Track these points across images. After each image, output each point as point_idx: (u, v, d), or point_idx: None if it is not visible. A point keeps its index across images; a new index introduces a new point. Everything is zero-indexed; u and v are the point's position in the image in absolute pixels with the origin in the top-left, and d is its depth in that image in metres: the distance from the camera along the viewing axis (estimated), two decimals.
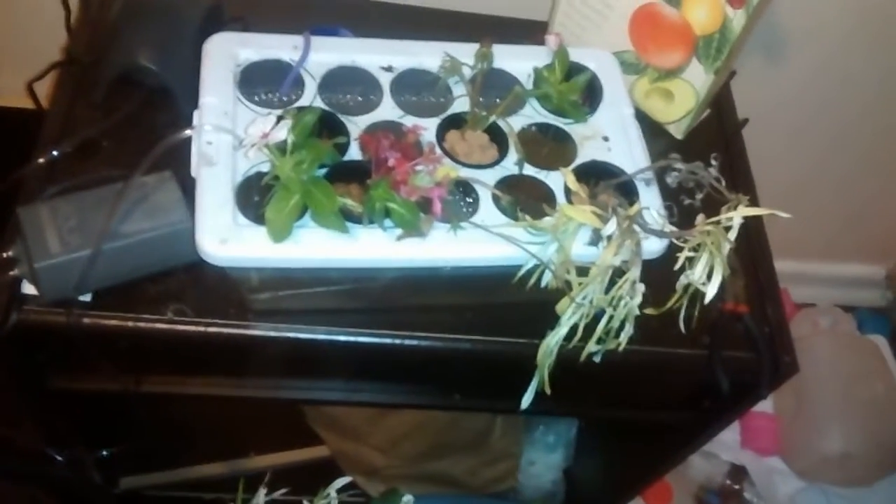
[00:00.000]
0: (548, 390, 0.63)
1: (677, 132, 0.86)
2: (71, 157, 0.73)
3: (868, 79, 1.20)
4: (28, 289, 0.66)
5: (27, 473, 0.84)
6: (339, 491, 0.87)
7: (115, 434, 0.94)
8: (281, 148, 0.58)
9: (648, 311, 0.66)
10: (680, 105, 0.84)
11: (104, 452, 0.87)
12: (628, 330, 0.63)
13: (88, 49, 0.81)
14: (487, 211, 0.65)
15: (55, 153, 0.72)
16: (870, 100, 1.24)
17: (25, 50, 0.99)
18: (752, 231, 0.82)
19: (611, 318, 0.62)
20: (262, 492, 0.85)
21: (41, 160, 0.72)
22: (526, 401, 0.64)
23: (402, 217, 0.59)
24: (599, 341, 0.64)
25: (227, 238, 0.58)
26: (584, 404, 0.86)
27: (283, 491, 0.91)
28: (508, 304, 0.71)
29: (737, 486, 1.41)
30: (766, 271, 0.81)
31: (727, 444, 1.38)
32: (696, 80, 0.82)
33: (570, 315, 0.60)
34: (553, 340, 0.61)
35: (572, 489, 1.24)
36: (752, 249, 0.82)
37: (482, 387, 0.82)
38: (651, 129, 0.78)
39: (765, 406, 1.39)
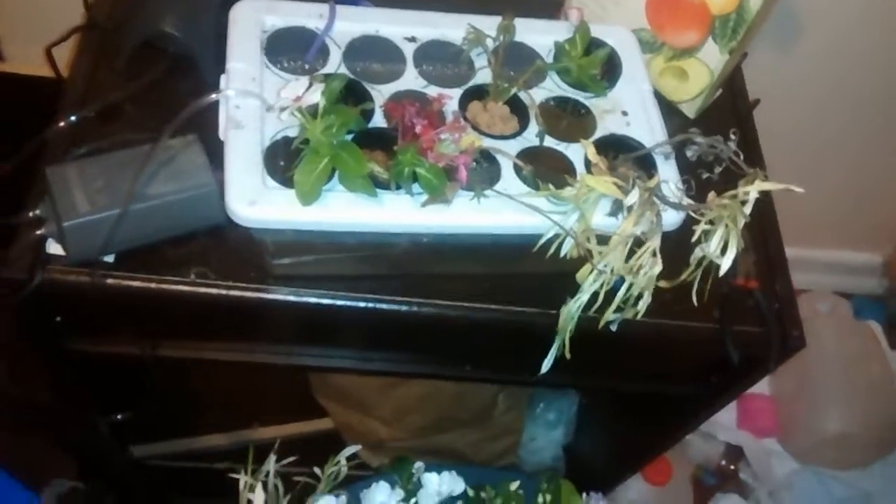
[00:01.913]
0: (568, 355, 0.64)
1: (690, 111, 0.87)
2: (94, 121, 0.73)
3: (881, 57, 1.21)
4: (52, 248, 0.67)
5: (45, 431, 0.84)
6: (347, 460, 0.88)
7: (126, 400, 0.95)
8: (311, 112, 0.59)
9: (662, 283, 0.67)
10: (694, 84, 0.85)
11: (117, 416, 0.87)
12: (647, 298, 0.64)
13: (110, 15, 0.81)
14: (509, 181, 0.66)
15: (78, 117, 0.73)
16: (883, 80, 1.26)
17: (39, 17, 1.00)
18: (763, 209, 0.83)
19: (630, 286, 0.63)
20: (273, 459, 0.86)
21: (64, 123, 0.72)
22: (546, 365, 0.65)
23: (430, 182, 0.60)
24: (617, 310, 0.65)
25: (256, 199, 0.59)
26: (595, 376, 0.87)
27: (291, 459, 0.92)
28: (526, 275, 0.72)
29: (733, 467, 1.43)
30: (776, 248, 0.82)
31: (724, 424, 1.40)
32: (711, 60, 0.83)
33: (591, 282, 0.62)
34: (575, 306, 0.62)
35: (573, 465, 1.26)
36: (762, 227, 0.83)
37: (496, 357, 0.83)
38: (664, 107, 0.79)
39: (762, 387, 1.41)
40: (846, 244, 1.63)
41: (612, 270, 0.63)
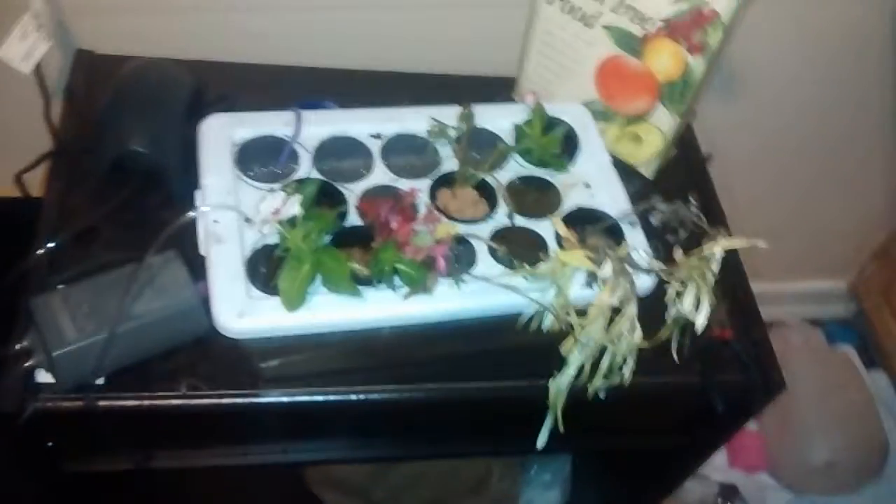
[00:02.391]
0: (561, 428, 0.66)
1: (648, 172, 0.91)
2: (71, 246, 0.74)
3: (819, 103, 1.27)
4: (42, 377, 0.67)
5: None
6: None
7: None
8: (289, 221, 0.61)
9: (641, 344, 0.69)
10: (648, 147, 0.89)
11: None
12: (630, 364, 0.66)
13: (77, 138, 0.83)
14: (485, 262, 0.68)
15: (55, 243, 0.73)
16: (822, 122, 1.31)
17: (7, 139, 1.00)
18: (729, 259, 0.86)
19: (613, 355, 0.65)
20: None
21: (42, 250, 0.73)
22: (541, 440, 0.67)
23: (411, 277, 0.62)
24: (603, 378, 0.67)
25: (243, 311, 0.60)
26: (584, 439, 0.88)
27: None
28: (511, 350, 0.74)
29: None
30: (745, 295, 0.85)
31: (716, 464, 1.41)
32: (663, 124, 0.86)
33: (576, 355, 0.64)
34: (564, 380, 0.64)
35: None
36: (730, 276, 0.86)
37: (490, 432, 0.84)
38: (623, 169, 0.82)
39: (749, 424, 1.43)
40: (812, 274, 1.67)
41: (594, 341, 0.65)
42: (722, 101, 1.19)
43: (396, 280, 0.64)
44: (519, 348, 0.73)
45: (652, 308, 0.69)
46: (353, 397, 0.71)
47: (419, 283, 0.62)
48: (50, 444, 0.74)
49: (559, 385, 0.64)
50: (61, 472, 0.77)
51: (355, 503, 1.11)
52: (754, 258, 0.90)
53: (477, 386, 0.75)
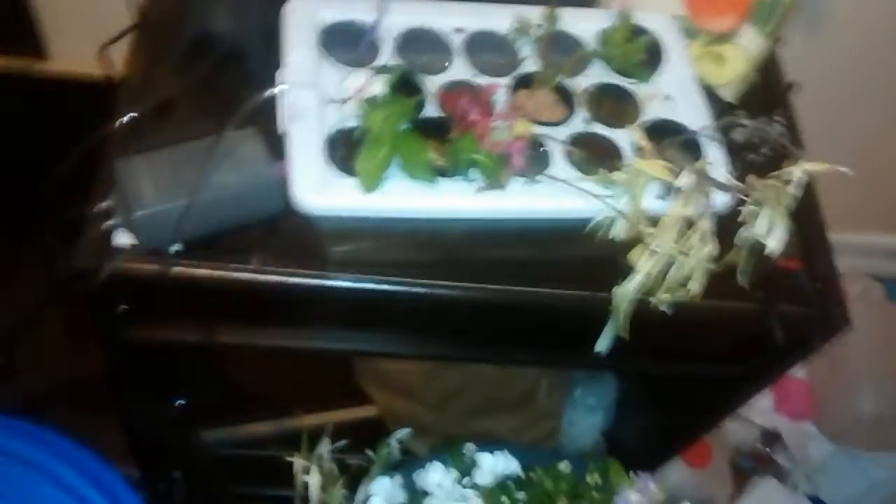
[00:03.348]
0: (626, 335, 0.66)
1: (728, 95, 0.88)
2: (151, 117, 0.76)
3: None
4: (120, 239, 0.69)
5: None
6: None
7: (179, 388, 0.97)
8: (371, 101, 0.61)
9: (711, 262, 0.69)
10: (731, 68, 0.86)
11: (177, 402, 0.90)
12: (699, 279, 0.66)
13: (161, 13, 0.84)
14: (560, 166, 0.68)
15: (138, 112, 0.75)
16: None
17: (85, 14, 1.02)
18: (804, 190, 0.84)
19: (683, 266, 0.65)
20: (327, 442, 0.89)
21: (125, 119, 0.75)
22: (602, 345, 0.67)
23: (488, 168, 0.62)
24: (669, 291, 0.67)
25: (321, 188, 0.61)
26: (638, 359, 0.88)
27: (343, 443, 0.94)
28: (576, 259, 0.74)
29: (769, 450, 1.44)
30: (817, 228, 0.84)
31: (760, 408, 1.41)
32: (749, 44, 0.84)
33: (645, 262, 0.63)
34: (631, 287, 0.63)
35: (612, 450, 1.27)
36: (803, 208, 0.83)
37: (547, 340, 0.85)
38: (702, 91, 0.81)
39: (797, 371, 1.42)
40: (879, 227, 1.63)
41: (664, 251, 0.64)
42: (809, 33, 1.15)
43: (471, 173, 0.64)
44: (585, 259, 0.73)
45: (722, 230, 0.68)
46: (418, 290, 0.72)
47: (495, 175, 0.62)
48: (122, 307, 0.77)
49: (626, 291, 0.64)
50: (127, 338, 0.80)
51: (402, 403, 1.14)
52: (822, 203, 0.88)
53: (540, 291, 0.75)
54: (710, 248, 0.64)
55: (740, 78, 0.87)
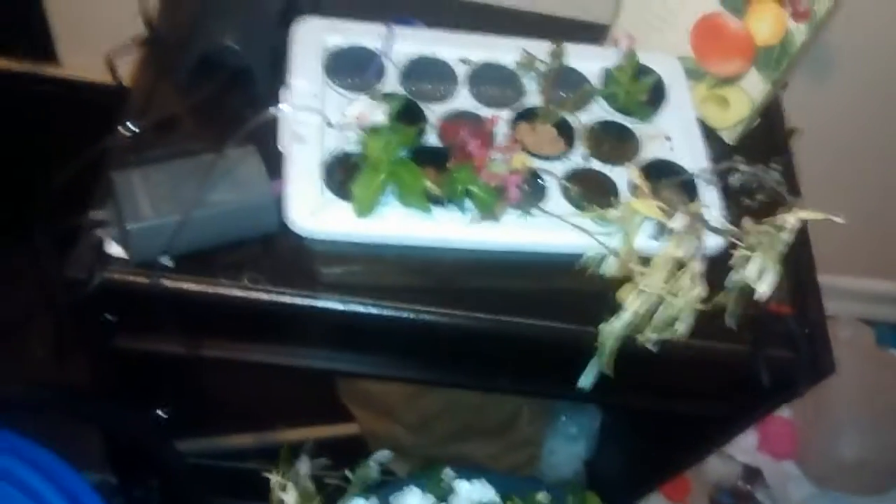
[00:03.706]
0: (611, 372, 0.66)
1: (730, 138, 0.89)
2: (154, 131, 0.76)
3: None
4: (113, 250, 0.69)
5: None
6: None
7: (161, 398, 0.97)
8: (371, 128, 0.61)
9: (699, 304, 0.69)
10: (735, 112, 0.87)
11: (158, 412, 0.90)
12: (686, 320, 0.66)
13: (171, 29, 0.84)
14: (556, 200, 0.68)
15: (140, 125, 0.75)
16: None
17: (96, 24, 1.02)
18: (797, 235, 0.85)
19: (671, 307, 0.65)
20: (305, 459, 0.89)
21: (127, 131, 0.75)
22: (585, 381, 0.68)
23: (483, 200, 0.62)
24: (656, 330, 0.67)
25: (315, 210, 0.62)
26: (623, 393, 0.88)
27: (322, 461, 0.94)
28: (566, 292, 0.74)
29: (750, 488, 1.44)
30: (809, 274, 0.84)
31: (743, 446, 1.41)
32: (753, 89, 0.85)
33: (634, 301, 0.64)
34: (618, 325, 0.64)
35: (592, 481, 1.27)
36: (796, 253, 0.84)
37: (532, 371, 0.85)
38: (704, 134, 0.81)
39: (782, 411, 1.42)
40: (870, 272, 1.64)
41: (653, 291, 0.64)
42: (814, 79, 1.16)
43: (467, 203, 0.64)
44: (574, 292, 0.74)
45: (713, 271, 0.68)
46: (405, 315, 0.72)
47: (489, 207, 0.62)
48: (110, 317, 0.76)
49: (613, 328, 0.64)
50: (113, 347, 0.80)
51: (383, 423, 1.14)
52: (814, 246, 0.89)
53: (526, 322, 0.75)
54: (700, 290, 0.64)
55: (743, 122, 0.88)
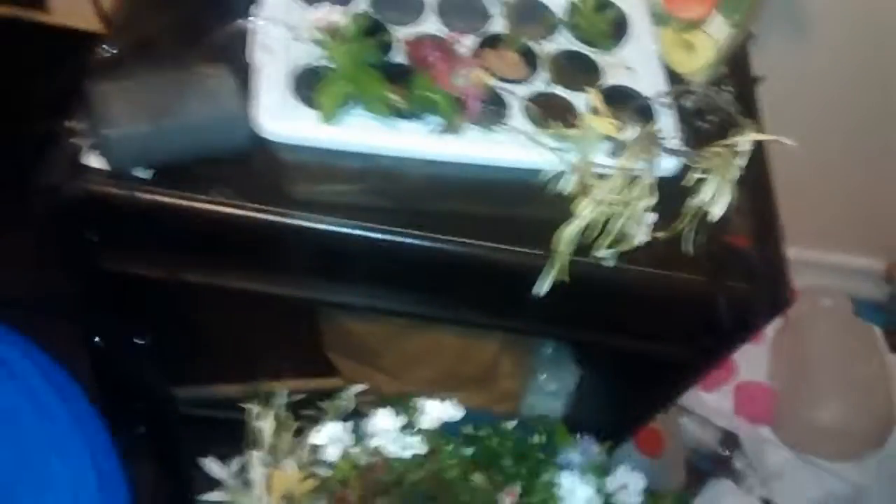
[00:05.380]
0: (566, 277, 0.68)
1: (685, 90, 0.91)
2: (131, 52, 0.78)
3: (879, 69, 1.25)
4: (88, 160, 0.72)
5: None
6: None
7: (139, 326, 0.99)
8: (335, 36, 0.64)
9: (658, 234, 0.72)
10: (700, 56, 0.89)
11: (137, 340, 0.92)
12: (641, 231, 0.69)
13: None
14: (516, 120, 0.71)
15: (116, 48, 0.78)
16: (884, 91, 1.30)
17: None
18: (758, 169, 0.87)
19: (625, 217, 0.67)
20: (283, 393, 0.91)
21: (103, 51, 0.77)
22: (540, 286, 0.70)
23: (443, 107, 0.65)
24: (613, 244, 0.70)
25: (283, 116, 0.64)
26: (588, 329, 0.91)
27: (300, 396, 0.96)
28: (529, 219, 0.76)
29: (727, 453, 1.46)
30: (769, 210, 0.86)
31: (721, 410, 1.43)
32: (717, 33, 0.87)
33: (588, 209, 0.66)
34: (572, 230, 0.66)
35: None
36: (755, 186, 0.87)
37: (493, 301, 0.87)
38: (671, 80, 0.84)
39: (760, 376, 1.44)
40: (850, 248, 1.66)
41: (607, 201, 0.67)
42: (789, 45, 1.18)
43: (429, 116, 0.67)
44: (538, 219, 0.75)
45: (671, 201, 0.71)
46: (372, 235, 0.74)
47: (450, 116, 0.65)
48: (91, 236, 0.79)
49: (567, 233, 0.66)
50: (96, 269, 0.83)
51: (366, 371, 1.16)
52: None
53: (487, 245, 0.77)
54: (651, 199, 0.66)
55: (708, 67, 0.90)
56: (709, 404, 1.42)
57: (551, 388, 1.28)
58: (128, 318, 0.93)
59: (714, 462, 1.46)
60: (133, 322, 0.94)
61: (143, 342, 0.93)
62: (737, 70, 0.96)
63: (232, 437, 1.04)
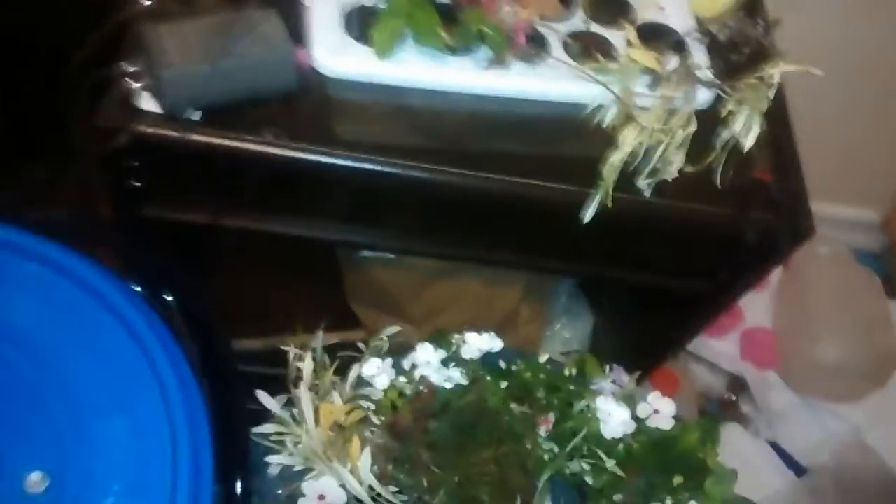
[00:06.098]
0: (610, 203, 0.71)
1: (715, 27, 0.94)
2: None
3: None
4: (142, 102, 0.73)
5: None
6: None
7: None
8: None
9: (687, 168, 0.75)
10: (720, 1, 0.93)
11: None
12: (679, 160, 0.72)
13: None
14: (559, 56, 0.73)
15: None
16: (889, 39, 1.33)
17: None
18: (778, 111, 0.90)
19: (666, 146, 0.71)
20: (320, 335, 0.93)
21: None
22: (587, 212, 0.72)
23: (494, 39, 0.67)
24: (652, 174, 0.73)
25: (337, 51, 0.67)
26: (614, 265, 0.94)
27: (335, 341, 0.99)
28: (569, 154, 0.79)
29: (735, 398, 1.51)
30: (791, 147, 0.90)
31: (728, 356, 1.47)
32: None
33: (632, 136, 0.69)
34: (618, 156, 0.69)
35: None
36: (777, 126, 0.90)
37: (528, 238, 0.90)
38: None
39: (765, 321, 1.49)
40: (845, 198, 1.71)
41: (651, 129, 0.70)
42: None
43: (478, 51, 0.69)
44: (578, 155, 0.78)
45: (702, 137, 0.74)
46: (419, 174, 0.77)
47: (500, 48, 0.68)
48: (136, 183, 0.81)
49: (612, 161, 0.69)
50: (138, 215, 0.84)
51: (391, 320, 1.18)
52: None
53: (531, 182, 0.79)
54: (692, 127, 0.70)
55: (728, 11, 0.93)
56: (716, 350, 1.47)
57: (567, 335, 1.32)
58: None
59: (722, 406, 1.51)
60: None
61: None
62: (753, 14, 0.99)
63: (250, 393, 1.06)
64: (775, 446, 1.47)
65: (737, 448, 1.45)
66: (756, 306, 1.49)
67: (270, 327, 1.29)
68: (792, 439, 1.47)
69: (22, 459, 0.60)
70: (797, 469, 1.48)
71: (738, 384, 1.50)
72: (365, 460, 0.71)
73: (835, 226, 1.73)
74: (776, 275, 1.50)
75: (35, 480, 0.59)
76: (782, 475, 1.47)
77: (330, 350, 0.98)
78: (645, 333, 1.15)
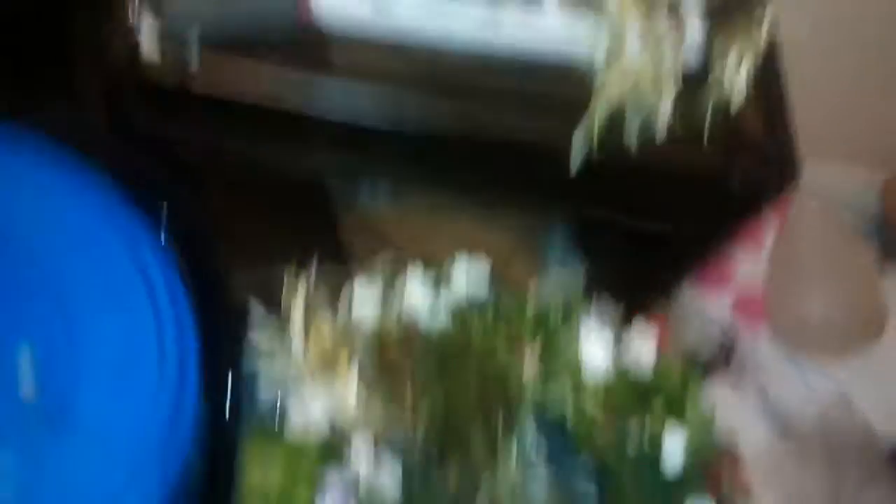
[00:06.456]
0: (596, 146, 0.74)
1: None
2: None
3: None
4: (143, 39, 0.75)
5: None
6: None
7: None
8: None
9: (676, 113, 0.77)
10: None
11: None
12: (669, 104, 0.74)
13: None
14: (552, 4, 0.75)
15: None
16: None
17: None
18: (769, 63, 0.91)
19: (655, 87, 0.72)
20: (314, 263, 0.94)
21: None
22: (575, 156, 0.75)
23: None
24: (640, 118, 0.75)
25: None
26: (603, 205, 0.96)
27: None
28: (559, 97, 0.80)
29: (724, 356, 1.53)
30: (780, 96, 0.91)
31: (719, 313, 1.49)
32: None
33: (621, 77, 0.71)
34: (608, 98, 0.71)
35: None
36: (768, 77, 0.91)
37: (520, 180, 0.92)
38: None
39: (756, 281, 1.50)
40: (844, 161, 1.71)
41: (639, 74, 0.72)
42: None
43: None
44: (569, 99, 0.80)
45: (692, 81, 0.76)
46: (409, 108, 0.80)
47: None
48: (143, 114, 0.83)
49: (602, 101, 0.71)
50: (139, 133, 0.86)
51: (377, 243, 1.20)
52: None
53: (522, 124, 0.82)
54: (683, 67, 0.72)
55: None
56: (707, 307, 1.49)
57: (559, 287, 1.34)
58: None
59: (709, 365, 1.53)
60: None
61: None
62: None
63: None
64: (762, 405, 1.50)
65: (722, 406, 1.47)
66: (749, 266, 1.51)
67: (263, 260, 1.32)
68: (778, 395, 1.50)
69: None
70: (783, 428, 1.50)
71: (727, 343, 1.52)
72: (351, 385, 0.74)
73: (830, 184, 1.73)
74: (771, 232, 1.52)
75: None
76: (767, 433, 1.49)
77: (323, 280, 1.01)
78: (632, 278, 1.17)
